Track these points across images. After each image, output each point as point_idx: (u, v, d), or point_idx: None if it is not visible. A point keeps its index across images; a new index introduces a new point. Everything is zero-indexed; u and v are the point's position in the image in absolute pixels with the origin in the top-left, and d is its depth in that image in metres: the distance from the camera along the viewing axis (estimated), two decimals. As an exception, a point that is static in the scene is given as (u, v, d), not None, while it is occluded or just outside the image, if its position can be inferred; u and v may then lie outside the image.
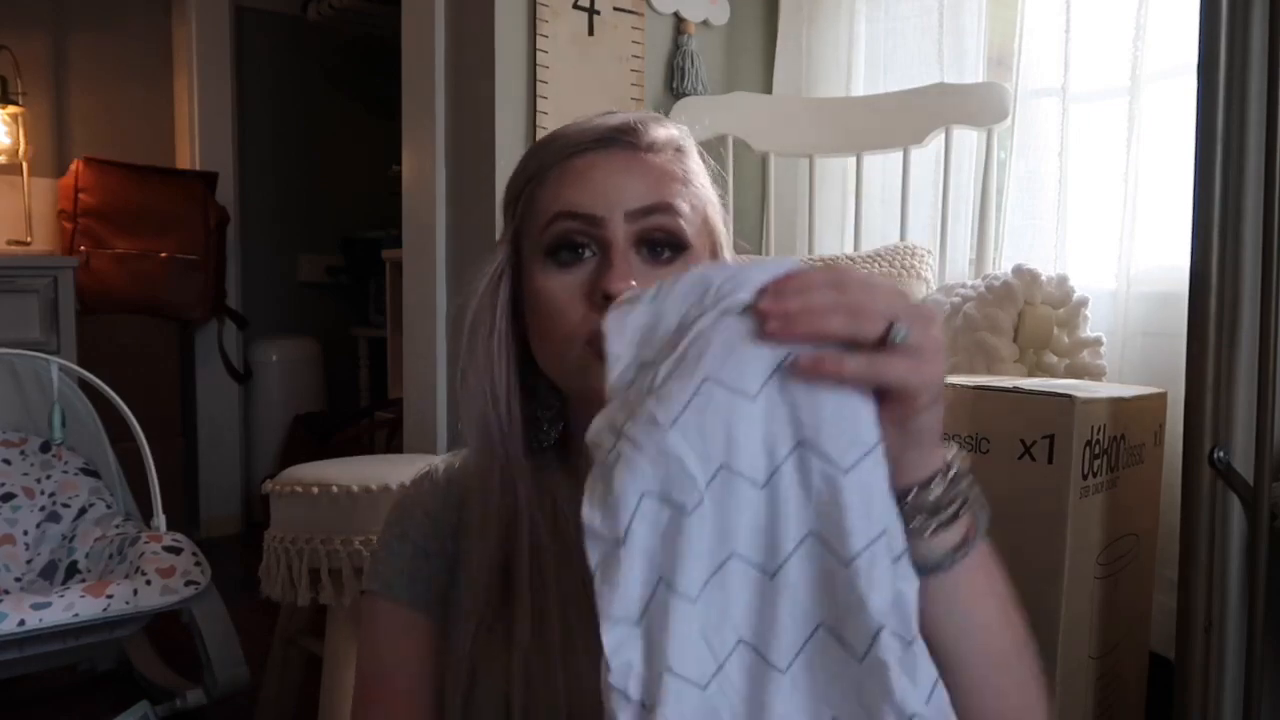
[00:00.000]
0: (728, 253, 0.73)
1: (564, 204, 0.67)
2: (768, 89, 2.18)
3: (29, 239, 3.11)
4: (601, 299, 0.64)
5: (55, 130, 3.23)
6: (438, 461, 0.78)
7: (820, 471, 0.44)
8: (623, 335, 0.49)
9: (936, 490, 0.50)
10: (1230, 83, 0.99)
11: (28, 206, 3.09)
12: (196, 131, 3.34)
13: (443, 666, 0.70)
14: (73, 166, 3.05)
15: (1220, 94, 0.99)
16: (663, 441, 0.44)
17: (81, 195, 3.01)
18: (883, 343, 0.45)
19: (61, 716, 2.01)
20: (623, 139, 0.69)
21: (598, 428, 0.47)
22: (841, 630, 0.45)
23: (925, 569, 0.49)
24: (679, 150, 0.72)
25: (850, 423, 0.45)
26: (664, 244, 0.67)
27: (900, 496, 0.48)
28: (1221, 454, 1.00)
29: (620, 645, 0.45)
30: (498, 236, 0.74)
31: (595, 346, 0.63)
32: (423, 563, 0.73)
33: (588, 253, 0.67)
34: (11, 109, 2.99)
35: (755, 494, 0.45)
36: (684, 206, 0.68)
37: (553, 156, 0.70)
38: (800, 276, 0.46)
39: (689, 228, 0.68)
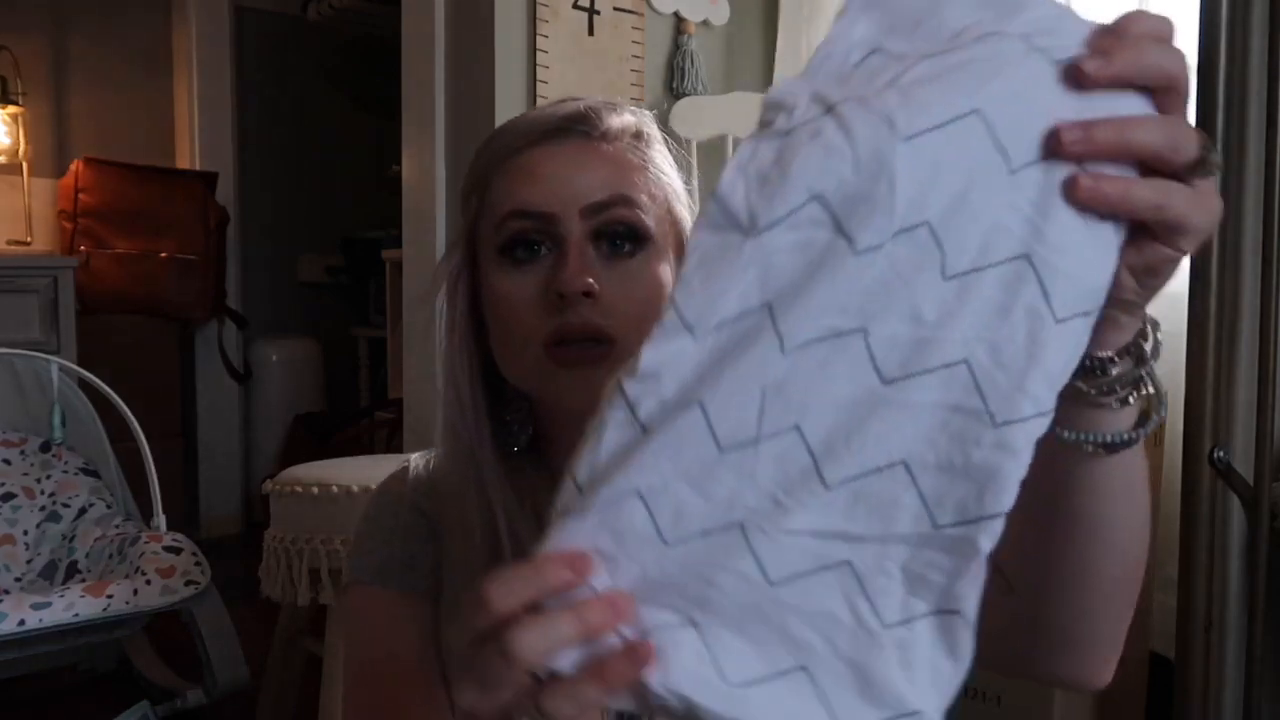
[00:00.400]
0: (688, 223, 0.70)
1: (516, 202, 0.64)
2: (767, 89, 2.18)
3: (29, 239, 3.11)
4: (556, 297, 0.62)
5: (55, 130, 3.22)
6: (415, 457, 0.76)
7: (1029, 306, 0.36)
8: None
9: (1125, 365, 0.43)
10: (1230, 83, 0.99)
11: (28, 206, 3.09)
12: (196, 131, 3.34)
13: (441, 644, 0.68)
14: (73, 166, 3.05)
15: (1220, 94, 0.99)
16: (886, 149, 0.34)
17: (81, 195, 3.01)
18: (1182, 170, 0.38)
19: (61, 716, 2.01)
20: (576, 129, 0.66)
21: (789, 88, 0.37)
22: (929, 482, 0.37)
23: (1103, 444, 0.44)
24: (637, 137, 0.68)
25: (1090, 267, 0.37)
26: (623, 237, 0.64)
27: (1099, 363, 0.43)
28: (1221, 454, 1.00)
29: (660, 358, 0.37)
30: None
31: (551, 350, 0.62)
32: (410, 544, 0.71)
33: (543, 250, 0.64)
34: (11, 109, 2.99)
35: (939, 281, 0.36)
36: (643, 198, 0.65)
37: (504, 150, 0.67)
38: (1133, 30, 0.37)
39: (649, 219, 0.65)
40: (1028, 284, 0.36)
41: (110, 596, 1.64)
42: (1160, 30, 0.38)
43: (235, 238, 3.40)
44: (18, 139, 3.02)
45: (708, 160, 1.96)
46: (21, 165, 3.05)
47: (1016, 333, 0.36)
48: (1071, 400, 0.42)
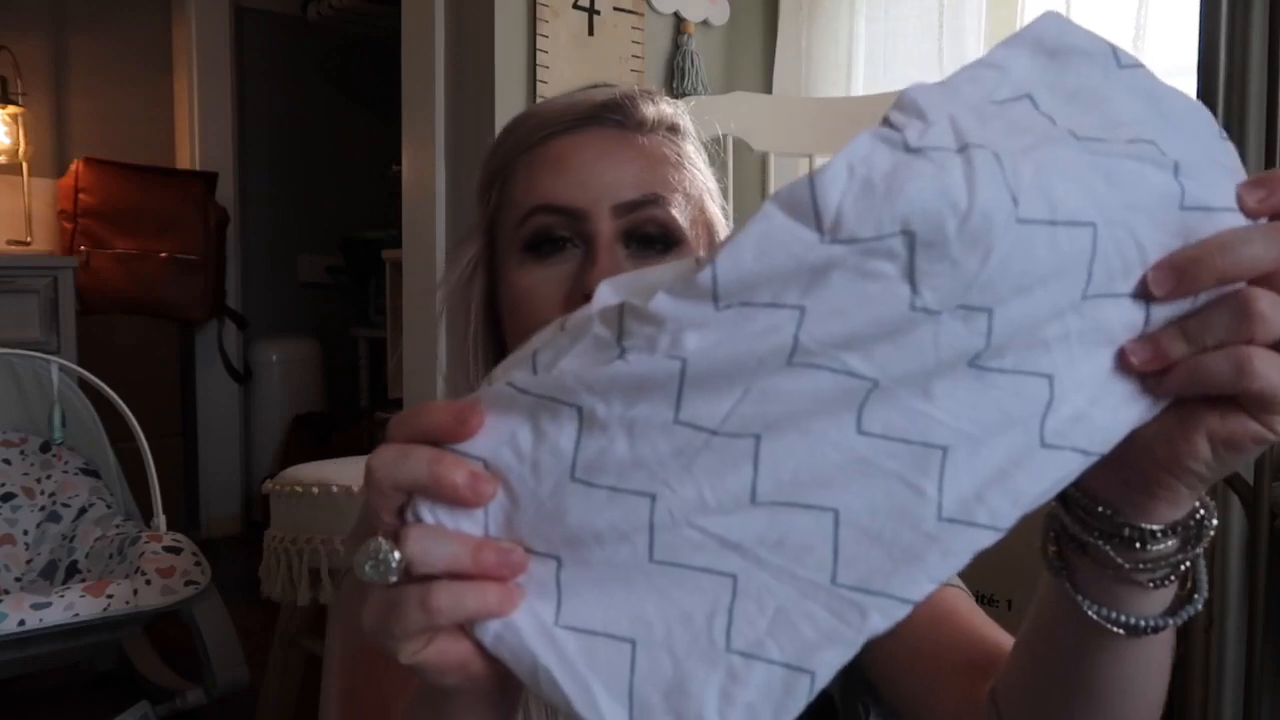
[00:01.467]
0: (720, 223, 0.67)
1: (543, 196, 0.60)
2: (768, 89, 2.18)
3: (29, 239, 3.11)
4: (584, 298, 0.59)
5: (55, 130, 3.23)
6: None
7: (1025, 420, 0.34)
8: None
9: (1169, 545, 0.38)
10: (1230, 83, 0.99)
11: (28, 206, 3.09)
12: (196, 131, 3.34)
13: None
14: (73, 166, 3.05)
15: (1220, 94, 0.99)
16: (1000, 221, 0.32)
17: (81, 195, 3.01)
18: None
19: (61, 716, 2.01)
20: (609, 117, 0.62)
21: (930, 98, 0.34)
22: (850, 540, 0.35)
23: (1127, 626, 0.39)
24: (673, 129, 0.64)
25: (1109, 411, 0.34)
26: (655, 238, 0.61)
27: (1141, 534, 0.38)
28: (1221, 454, 1.00)
29: (675, 310, 0.34)
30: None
31: None
32: None
33: (570, 246, 0.60)
34: (11, 109, 2.99)
35: (965, 367, 0.34)
36: (676, 196, 0.61)
37: (530, 137, 0.62)
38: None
39: (682, 219, 0.61)
40: (1037, 401, 0.34)
41: (110, 596, 1.64)
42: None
43: (235, 238, 3.40)
44: (18, 139, 3.02)
45: (707, 160, 1.96)
46: (21, 165, 3.05)
47: (1002, 442, 0.35)
48: (1102, 571, 0.39)
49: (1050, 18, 0.36)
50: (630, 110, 0.62)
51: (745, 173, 2.08)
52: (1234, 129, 0.99)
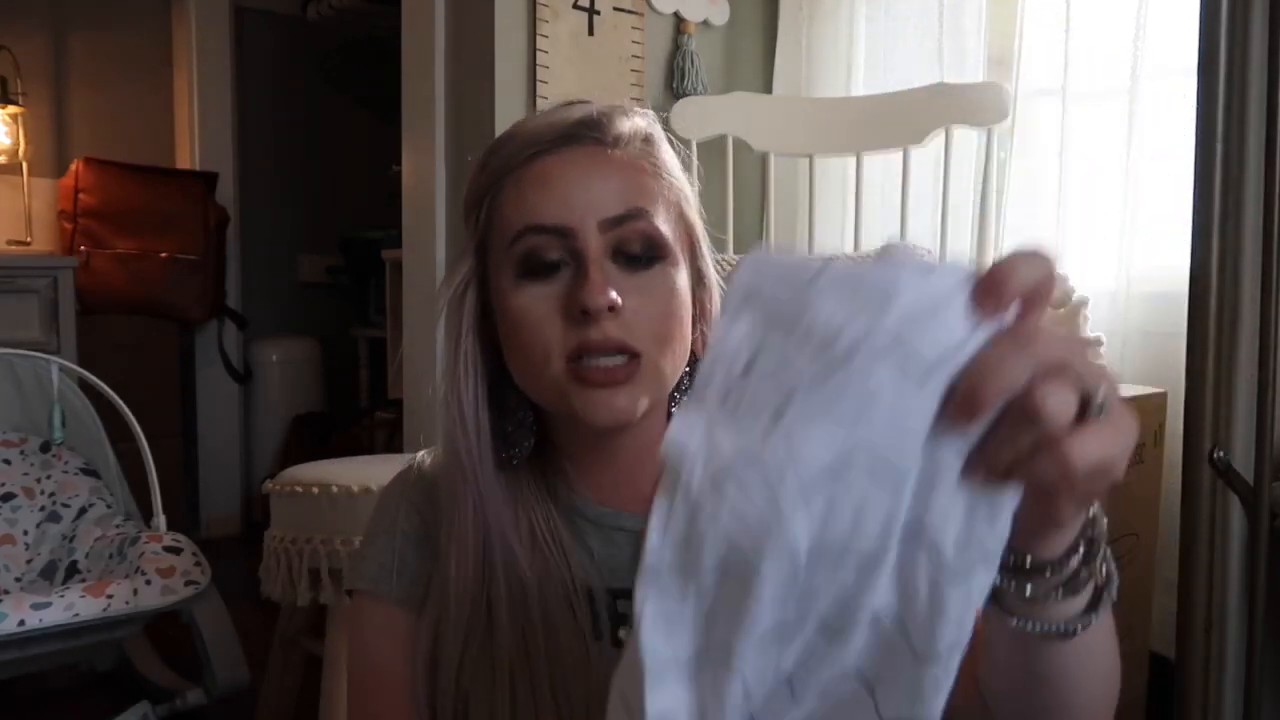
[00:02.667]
0: (704, 245, 0.70)
1: (531, 216, 0.63)
2: (768, 89, 2.18)
3: (29, 239, 3.11)
4: (579, 314, 0.61)
5: (55, 130, 3.22)
6: (421, 455, 0.76)
7: (928, 575, 0.37)
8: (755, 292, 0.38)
9: (1073, 564, 0.42)
10: (1230, 83, 0.99)
11: (28, 206, 3.09)
12: (196, 131, 3.34)
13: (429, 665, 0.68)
14: (73, 167, 3.05)
15: (1220, 94, 0.99)
16: (774, 524, 0.36)
17: (81, 195, 3.01)
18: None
19: (61, 716, 2.01)
20: (587, 135, 0.64)
21: (685, 431, 0.38)
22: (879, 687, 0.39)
23: (1047, 633, 0.44)
24: (647, 141, 0.67)
25: (984, 526, 0.37)
26: (642, 250, 0.63)
27: (1031, 567, 0.42)
28: (1221, 454, 1.00)
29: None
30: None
31: (574, 366, 0.62)
32: (411, 554, 0.71)
33: (562, 264, 0.63)
34: (11, 109, 2.99)
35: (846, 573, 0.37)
36: (658, 206, 0.64)
37: (513, 158, 0.65)
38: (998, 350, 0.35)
39: (666, 229, 0.64)
40: (921, 554, 0.37)
41: (110, 597, 1.64)
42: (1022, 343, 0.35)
43: (235, 238, 3.40)
44: (18, 139, 3.02)
45: (708, 160, 1.96)
46: (21, 165, 3.05)
47: (920, 594, 0.37)
48: (1020, 598, 0.42)
49: (746, 264, 0.39)
50: (606, 126, 0.65)
51: (745, 173, 2.08)
52: (1234, 129, 0.99)
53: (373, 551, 0.72)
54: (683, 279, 0.66)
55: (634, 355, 0.62)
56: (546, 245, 0.63)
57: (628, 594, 0.68)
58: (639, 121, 0.67)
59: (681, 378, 0.68)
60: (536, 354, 0.63)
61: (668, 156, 0.68)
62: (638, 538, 0.69)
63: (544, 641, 0.64)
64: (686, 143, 1.90)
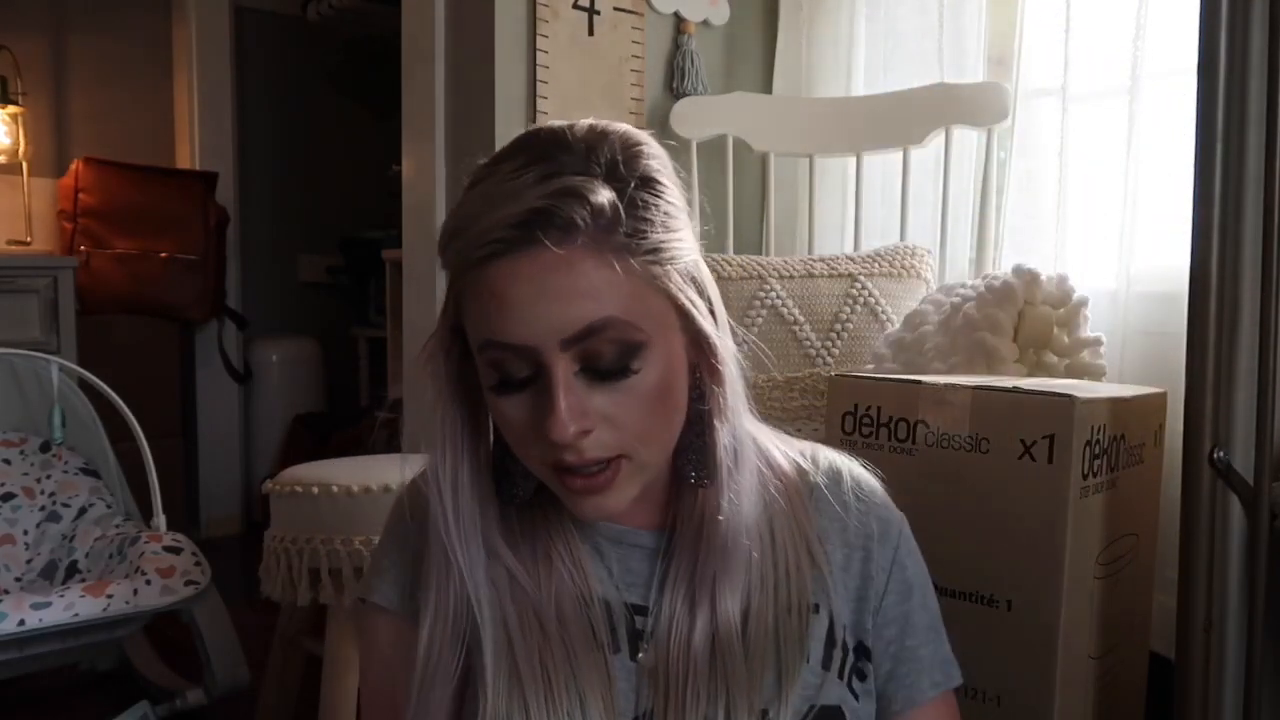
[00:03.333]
0: (699, 306, 0.64)
1: (490, 332, 0.60)
2: (768, 89, 2.18)
3: (29, 239, 3.11)
4: (548, 438, 0.60)
5: (55, 130, 3.22)
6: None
7: None
8: None
9: None
10: (1230, 83, 0.99)
11: (28, 206, 3.09)
12: (196, 131, 3.34)
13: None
14: (73, 166, 3.05)
15: (1220, 94, 0.99)
16: None
17: (81, 195, 3.01)
18: None
19: (61, 716, 2.00)
20: (538, 236, 0.57)
21: None
22: None
23: None
24: (615, 212, 0.59)
25: None
26: (613, 363, 0.60)
27: None
28: (1221, 454, 1.00)
29: None
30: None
31: (558, 473, 0.62)
32: (405, 558, 0.72)
33: (531, 377, 0.60)
34: (11, 109, 2.99)
35: None
36: (632, 300, 0.59)
37: (469, 254, 0.59)
38: None
39: (638, 324, 0.60)
40: None
41: (110, 596, 1.64)
42: None
43: (235, 238, 3.40)
44: (18, 139, 3.02)
45: (708, 160, 1.96)
46: (21, 165, 3.05)
47: None
48: None
49: None
50: (562, 216, 0.57)
51: (745, 173, 2.08)
52: (1234, 129, 0.99)
53: (385, 565, 0.73)
54: (668, 360, 0.63)
55: (620, 457, 0.62)
56: (511, 362, 0.60)
57: (645, 610, 0.69)
58: (603, 197, 0.58)
59: (683, 436, 0.67)
60: (522, 454, 0.64)
61: (651, 218, 0.61)
62: (654, 555, 0.70)
63: (562, 656, 0.65)
64: (686, 143, 1.91)
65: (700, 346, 0.66)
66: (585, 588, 0.68)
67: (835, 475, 0.75)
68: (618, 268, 0.59)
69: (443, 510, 0.66)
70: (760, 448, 0.72)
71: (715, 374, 0.66)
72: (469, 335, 0.64)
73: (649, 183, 0.62)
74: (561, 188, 0.58)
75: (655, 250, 0.61)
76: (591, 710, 0.64)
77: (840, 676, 0.69)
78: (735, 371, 0.67)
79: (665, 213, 0.62)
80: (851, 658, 0.71)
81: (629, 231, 0.59)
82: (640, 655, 0.67)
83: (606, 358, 0.60)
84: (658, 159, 0.64)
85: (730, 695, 0.64)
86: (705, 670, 0.65)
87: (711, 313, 0.66)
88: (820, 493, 0.73)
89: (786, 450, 0.75)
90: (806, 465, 0.75)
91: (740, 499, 0.68)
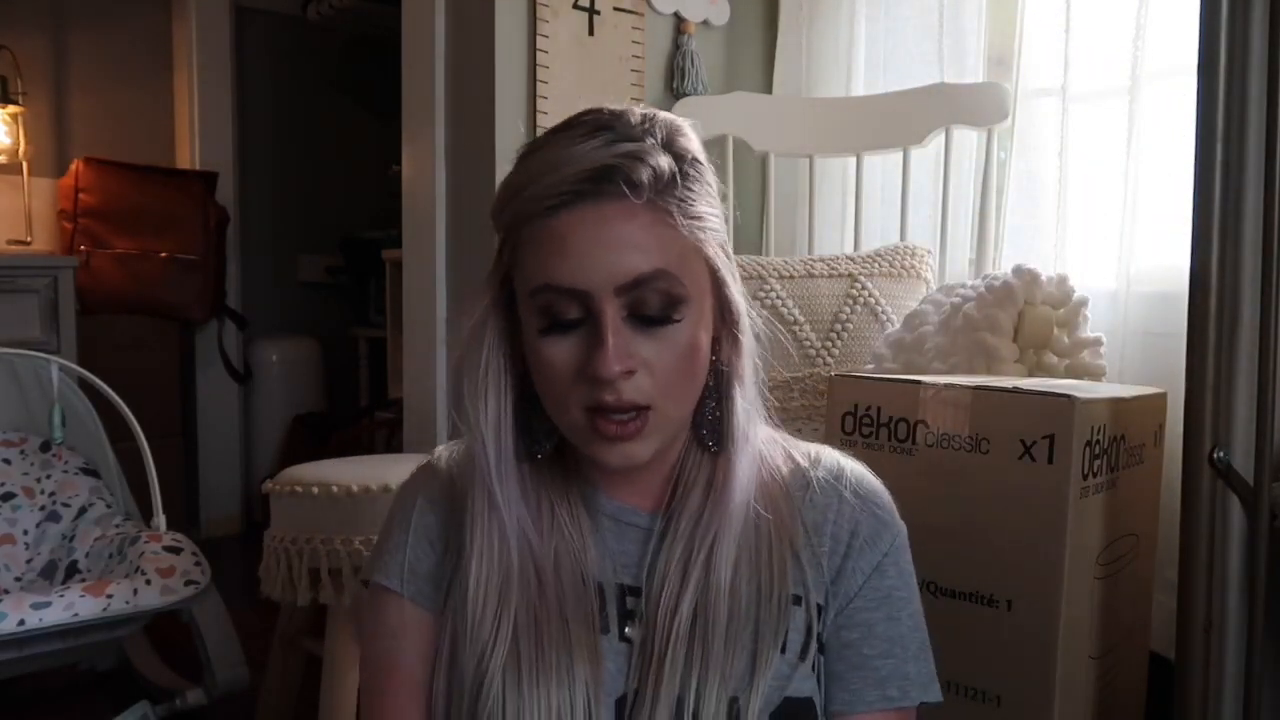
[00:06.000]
0: (729, 274, 0.70)
1: (549, 276, 0.64)
2: (768, 89, 2.18)
3: (29, 239, 3.11)
4: (594, 377, 0.63)
5: (55, 130, 3.22)
6: (440, 450, 0.78)
7: None
8: None
9: None
10: (1230, 83, 0.99)
11: (28, 206, 3.09)
12: (196, 131, 3.34)
13: (448, 660, 0.70)
14: (73, 166, 3.05)
15: (1220, 94, 0.99)
16: None
17: (81, 195, 3.01)
18: None
19: (61, 716, 2.00)
20: (604, 189, 0.63)
21: None
22: None
23: None
24: (673, 181, 0.65)
25: None
26: (660, 309, 0.65)
27: None
28: (1221, 454, 1.00)
29: None
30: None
31: (591, 416, 0.65)
32: (426, 552, 0.74)
33: (580, 321, 0.65)
34: (11, 109, 2.99)
35: None
36: (680, 258, 0.65)
37: (532, 206, 0.64)
38: None
39: (685, 282, 0.65)
40: None
41: (110, 596, 1.64)
42: None
43: (235, 238, 3.40)
44: (18, 139, 3.01)
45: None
46: (21, 165, 3.04)
47: None
48: None
49: None
50: (628, 174, 0.63)
51: (745, 173, 2.08)
52: (1234, 129, 0.99)
53: (391, 546, 0.75)
54: (701, 319, 0.68)
55: (647, 408, 0.65)
56: (564, 305, 0.64)
57: (636, 591, 0.69)
58: (662, 162, 0.64)
59: (701, 402, 0.71)
60: (557, 399, 0.67)
61: (696, 190, 0.67)
62: (647, 535, 0.71)
63: (556, 630, 0.67)
64: (686, 143, 1.91)
65: (725, 316, 0.71)
66: (582, 560, 0.70)
67: (836, 472, 0.76)
68: (670, 226, 0.64)
69: (485, 453, 0.69)
70: (761, 442, 0.75)
71: (736, 344, 0.71)
72: (519, 286, 0.67)
73: (694, 160, 0.68)
74: (629, 150, 0.64)
75: (700, 218, 0.66)
76: (578, 694, 0.66)
77: (813, 670, 0.71)
78: (753, 346, 0.72)
79: (707, 187, 0.68)
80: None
81: (681, 197, 0.65)
82: (628, 629, 0.69)
83: (652, 305, 0.64)
84: (698, 143, 0.70)
85: (704, 669, 0.66)
86: (685, 639, 0.67)
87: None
88: (816, 486, 0.75)
89: (789, 448, 0.77)
90: (805, 462, 0.76)
91: (745, 471, 0.71)
